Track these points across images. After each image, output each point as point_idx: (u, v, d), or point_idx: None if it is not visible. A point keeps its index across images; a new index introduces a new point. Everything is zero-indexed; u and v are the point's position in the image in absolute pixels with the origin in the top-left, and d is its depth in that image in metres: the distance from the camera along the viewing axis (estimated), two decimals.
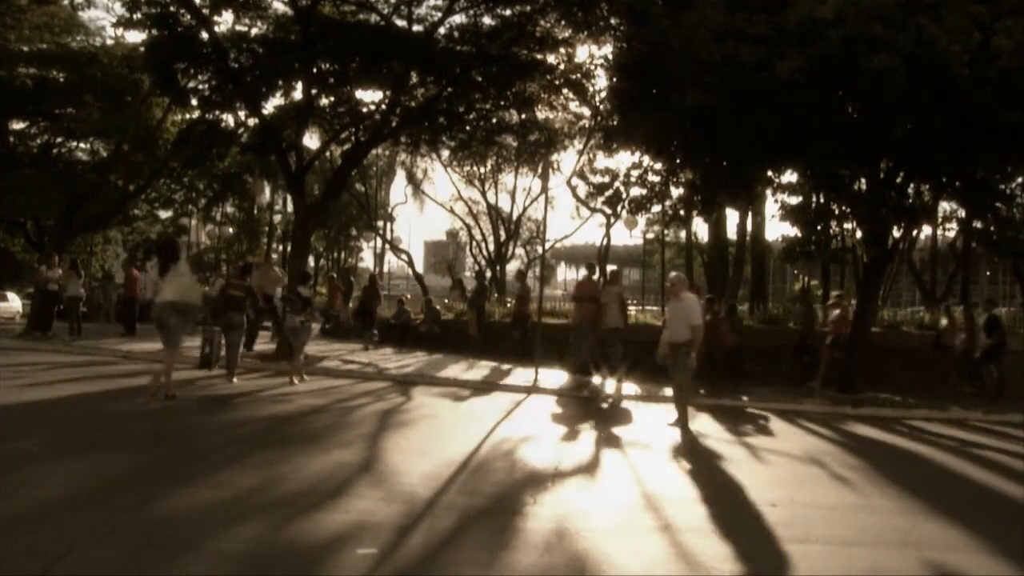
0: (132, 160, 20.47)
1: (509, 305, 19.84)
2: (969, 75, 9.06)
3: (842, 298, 13.78)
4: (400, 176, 40.47)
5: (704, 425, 9.18)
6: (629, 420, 9.56)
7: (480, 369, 13.21)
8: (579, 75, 14.95)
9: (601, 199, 22.73)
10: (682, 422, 8.54)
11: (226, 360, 10.84)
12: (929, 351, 13.43)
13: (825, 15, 9.14)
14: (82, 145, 22.16)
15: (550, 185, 33.73)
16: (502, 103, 15.79)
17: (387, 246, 38.55)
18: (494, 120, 16.70)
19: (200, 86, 15.62)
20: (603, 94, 14.64)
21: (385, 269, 45.03)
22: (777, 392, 11.88)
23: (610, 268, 17.79)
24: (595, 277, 13.60)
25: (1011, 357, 12.95)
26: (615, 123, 13.48)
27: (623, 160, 18.73)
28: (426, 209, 50.29)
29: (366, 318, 16.64)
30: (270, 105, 15.73)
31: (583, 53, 15.03)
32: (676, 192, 15.26)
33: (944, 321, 13.89)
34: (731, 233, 24.29)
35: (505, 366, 13.47)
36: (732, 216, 22.81)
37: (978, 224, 15.79)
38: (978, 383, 12.69)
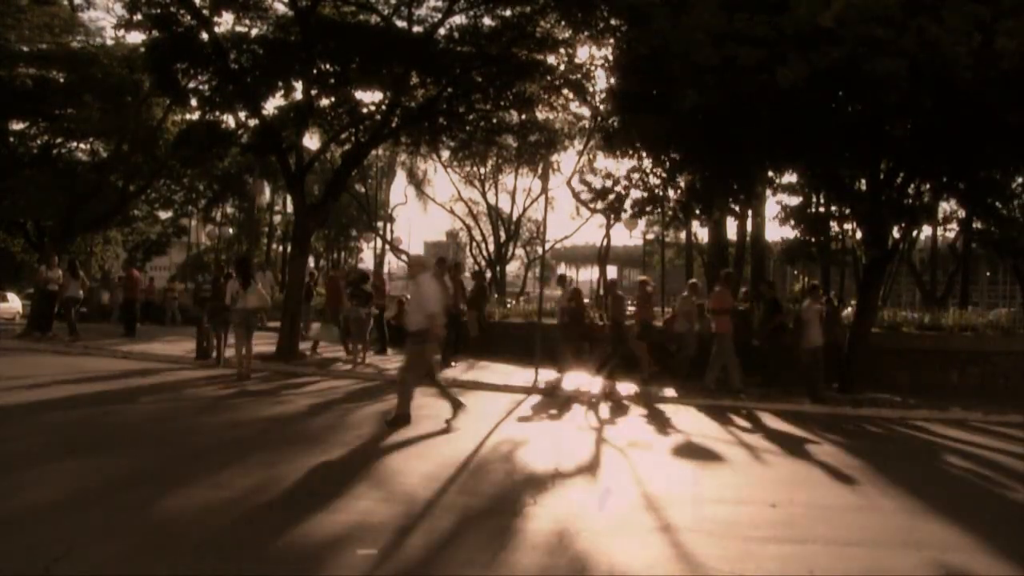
0: (132, 160, 20.47)
1: (510, 306, 19.86)
2: (972, 77, 9.05)
3: (646, 284, 13.89)
4: (400, 176, 40.52)
5: (704, 425, 9.19)
6: (635, 421, 9.55)
7: (480, 369, 13.21)
8: (579, 76, 14.94)
9: (602, 203, 22.70)
10: (400, 414, 7.87)
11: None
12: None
13: (827, 22, 9.11)
14: (82, 145, 22.14)
15: (550, 186, 33.87)
16: (502, 104, 15.76)
17: (387, 247, 38.56)
18: (494, 120, 16.67)
19: (200, 86, 15.61)
20: (603, 95, 14.63)
21: (385, 270, 45.02)
22: (777, 393, 11.87)
23: (813, 282, 16.15)
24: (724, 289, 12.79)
25: (1012, 358, 12.95)
26: (615, 124, 13.48)
27: (623, 162, 18.71)
28: (427, 209, 50.38)
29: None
30: (270, 106, 15.73)
31: (583, 54, 15.03)
32: (676, 195, 15.27)
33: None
34: (731, 234, 24.29)
35: (506, 366, 13.47)
36: (732, 217, 22.78)
37: (978, 224, 15.81)
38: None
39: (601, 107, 15.02)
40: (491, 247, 35.05)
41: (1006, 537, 4.97)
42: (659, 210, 18.98)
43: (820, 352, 11.38)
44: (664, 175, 14.31)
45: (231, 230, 40.18)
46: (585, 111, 17.00)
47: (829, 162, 11.72)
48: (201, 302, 13.09)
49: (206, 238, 46.31)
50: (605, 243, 29.03)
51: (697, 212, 14.72)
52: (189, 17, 13.95)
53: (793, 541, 4.67)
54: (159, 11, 13.82)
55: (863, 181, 12.63)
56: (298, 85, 15.07)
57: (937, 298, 24.89)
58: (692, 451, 7.55)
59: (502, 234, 34.60)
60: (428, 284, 7.94)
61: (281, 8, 14.64)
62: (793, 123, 10.42)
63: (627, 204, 16.41)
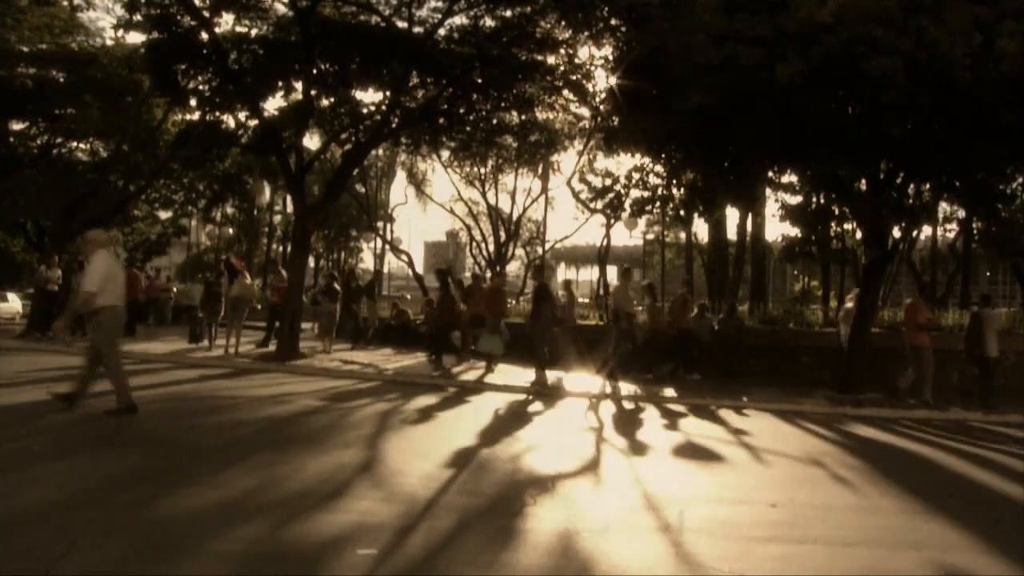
0: (132, 160, 20.47)
1: (509, 305, 19.81)
2: (972, 77, 9.05)
3: (478, 278, 15.79)
4: (400, 176, 40.48)
5: (704, 425, 9.19)
6: (654, 424, 9.55)
7: (480, 369, 13.20)
8: (579, 76, 14.95)
9: (602, 202, 22.71)
10: (75, 392, 7.59)
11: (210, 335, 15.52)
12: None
13: (825, 18, 9.13)
14: (82, 145, 22.14)
15: (550, 186, 33.89)
16: (502, 104, 15.77)
17: (387, 247, 38.53)
18: (494, 121, 16.68)
19: (200, 87, 15.61)
20: (603, 95, 14.65)
21: (385, 270, 45.03)
22: (777, 392, 11.88)
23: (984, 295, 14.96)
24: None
25: (1012, 358, 12.93)
26: (615, 124, 13.49)
27: (624, 161, 18.74)
28: (427, 209, 50.37)
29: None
30: (270, 106, 15.74)
31: (583, 54, 15.04)
32: (677, 193, 15.28)
33: (563, 294, 15.79)
34: (731, 233, 24.32)
35: (506, 366, 13.46)
36: (732, 216, 22.84)
37: (978, 224, 15.82)
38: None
39: (601, 107, 15.03)
40: (491, 247, 34.98)
41: (1006, 537, 4.98)
42: (659, 209, 19.00)
43: (994, 362, 11.43)
44: (665, 174, 14.33)
45: (231, 230, 40.14)
46: (585, 111, 17.02)
47: (829, 162, 11.72)
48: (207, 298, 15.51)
49: (206, 238, 46.25)
50: (605, 243, 29.02)
51: (699, 210, 14.75)
52: (189, 18, 13.94)
53: (793, 541, 4.67)
54: (159, 12, 13.82)
55: (863, 181, 12.63)
56: (298, 85, 15.09)
57: (937, 298, 24.88)
58: (692, 451, 7.55)
59: (502, 234, 34.52)
60: (97, 262, 7.65)
61: (281, 8, 14.66)
62: (793, 123, 10.42)
63: (627, 203, 16.43)
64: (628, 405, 10.67)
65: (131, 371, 11.87)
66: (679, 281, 16.67)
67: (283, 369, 12.80)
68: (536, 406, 10.15)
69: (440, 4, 14.28)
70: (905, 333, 11.93)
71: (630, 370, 12.63)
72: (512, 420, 8.96)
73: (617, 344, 12.29)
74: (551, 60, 14.84)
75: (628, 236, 33.10)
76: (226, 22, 14.76)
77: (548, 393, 11.18)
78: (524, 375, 12.49)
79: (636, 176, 17.51)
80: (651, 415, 9.93)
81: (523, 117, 16.72)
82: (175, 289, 25.43)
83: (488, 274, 31.07)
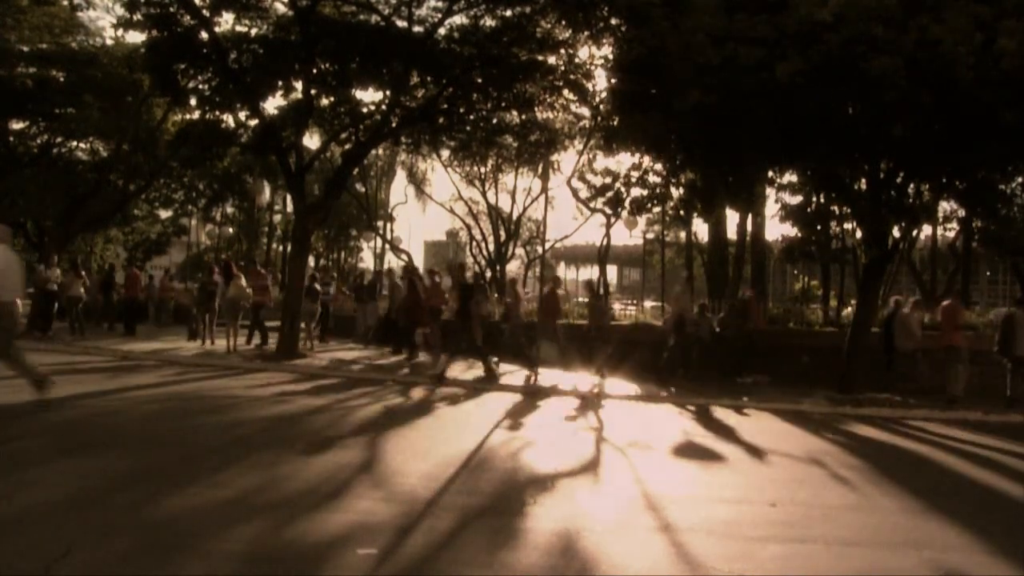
0: (132, 160, 20.47)
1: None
2: (972, 76, 9.05)
3: (433, 274, 16.57)
4: (400, 176, 40.45)
5: (704, 425, 9.19)
6: (633, 421, 9.55)
7: (480, 369, 13.19)
8: (579, 76, 14.95)
9: (602, 200, 22.67)
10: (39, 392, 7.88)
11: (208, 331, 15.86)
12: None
13: (825, 17, 9.13)
14: (82, 145, 22.13)
15: (550, 185, 33.84)
16: (502, 104, 15.76)
17: (387, 246, 38.53)
18: (494, 121, 16.67)
19: (200, 86, 15.61)
20: (603, 94, 14.65)
21: (385, 269, 44.93)
22: (777, 392, 11.88)
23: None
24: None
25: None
26: (615, 123, 13.49)
27: (624, 161, 18.73)
28: (426, 209, 50.55)
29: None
30: (270, 105, 15.74)
31: (583, 54, 15.03)
32: (676, 193, 15.29)
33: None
34: (731, 233, 24.27)
35: (506, 366, 13.46)
36: (732, 216, 22.77)
37: (978, 223, 15.81)
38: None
39: (601, 107, 15.03)
40: (491, 247, 34.95)
41: (1006, 537, 4.98)
42: (659, 208, 18.99)
43: None
44: (665, 173, 14.32)
45: (231, 230, 40.10)
46: (585, 111, 17.00)
47: (829, 162, 11.72)
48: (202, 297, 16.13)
49: (206, 238, 46.22)
50: (605, 242, 29.00)
51: (700, 209, 14.75)
52: (189, 17, 13.93)
53: (793, 541, 4.67)
54: (159, 11, 13.80)
55: (863, 181, 12.64)
56: (298, 85, 15.07)
57: (937, 298, 24.86)
58: (692, 451, 7.55)
59: (502, 234, 34.48)
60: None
61: (281, 8, 14.63)
62: (793, 122, 10.43)
63: (627, 202, 16.43)
64: (629, 405, 10.68)
65: (130, 370, 11.90)
66: (744, 286, 16.96)
67: (282, 368, 12.80)
68: (536, 406, 10.15)
69: (440, 4, 14.27)
70: (943, 334, 12.01)
71: (675, 373, 13.07)
72: (511, 419, 8.95)
73: (680, 349, 12.98)
74: (551, 60, 14.82)
75: (628, 236, 33.05)
76: (226, 21, 14.76)
77: (440, 385, 11.34)
78: (522, 375, 12.50)
79: (635, 175, 17.51)
80: (651, 415, 9.94)
81: (523, 117, 16.71)
82: (176, 288, 25.43)
83: (487, 269, 31.08)
